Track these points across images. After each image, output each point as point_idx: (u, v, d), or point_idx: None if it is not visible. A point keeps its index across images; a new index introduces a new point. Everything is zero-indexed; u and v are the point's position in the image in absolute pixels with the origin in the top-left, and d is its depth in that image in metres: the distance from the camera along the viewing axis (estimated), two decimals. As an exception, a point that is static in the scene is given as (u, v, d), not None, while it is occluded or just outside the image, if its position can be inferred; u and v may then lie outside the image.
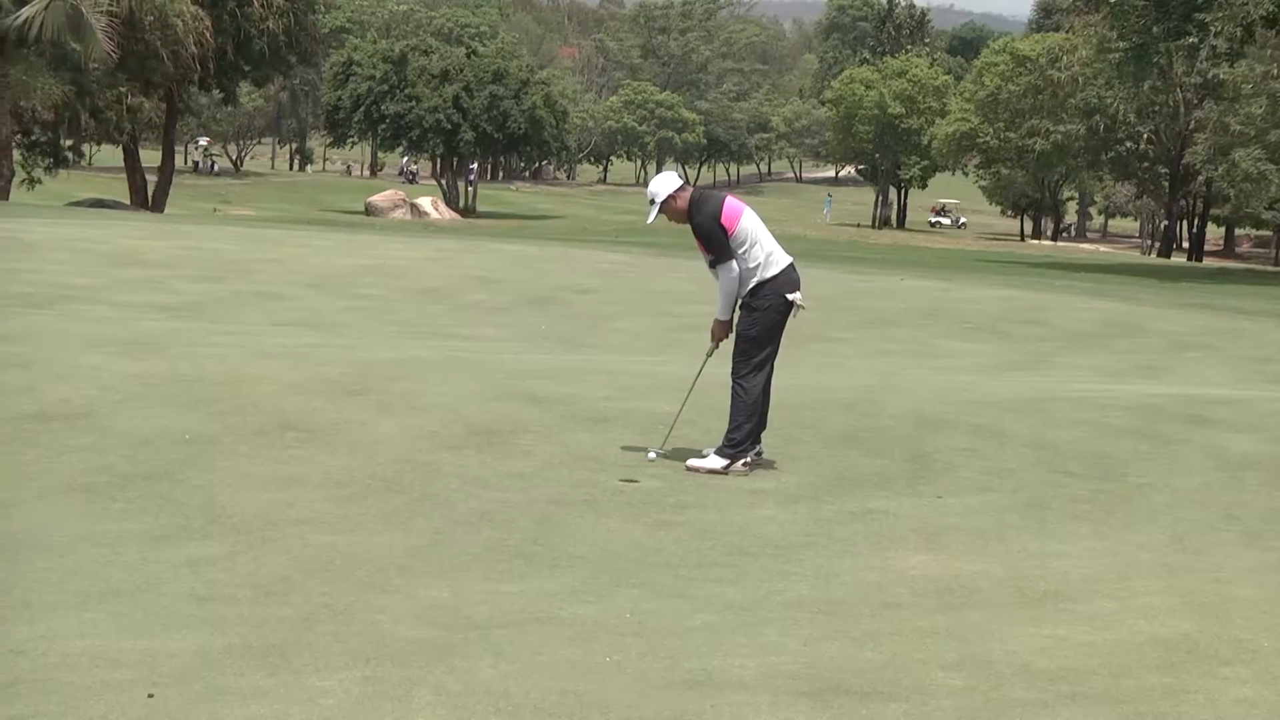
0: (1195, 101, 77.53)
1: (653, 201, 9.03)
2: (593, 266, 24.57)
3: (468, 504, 7.97)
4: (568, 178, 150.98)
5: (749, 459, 9.11)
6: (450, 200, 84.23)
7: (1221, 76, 66.78)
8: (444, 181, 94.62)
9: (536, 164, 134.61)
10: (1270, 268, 67.36)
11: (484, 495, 8.15)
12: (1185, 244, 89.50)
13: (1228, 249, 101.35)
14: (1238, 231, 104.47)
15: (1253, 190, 74.83)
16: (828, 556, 7.40)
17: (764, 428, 9.23)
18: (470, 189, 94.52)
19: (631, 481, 8.63)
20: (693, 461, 9.00)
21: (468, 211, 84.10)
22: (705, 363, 9.51)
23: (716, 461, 8.98)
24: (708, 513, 8.11)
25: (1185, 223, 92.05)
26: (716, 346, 9.35)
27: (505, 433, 9.42)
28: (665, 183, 9.14)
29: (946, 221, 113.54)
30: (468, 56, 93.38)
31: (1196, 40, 39.24)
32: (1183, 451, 10.08)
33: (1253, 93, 70.09)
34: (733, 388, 9.10)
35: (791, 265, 9.19)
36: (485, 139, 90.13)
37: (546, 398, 10.37)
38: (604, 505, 8.13)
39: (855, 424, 10.26)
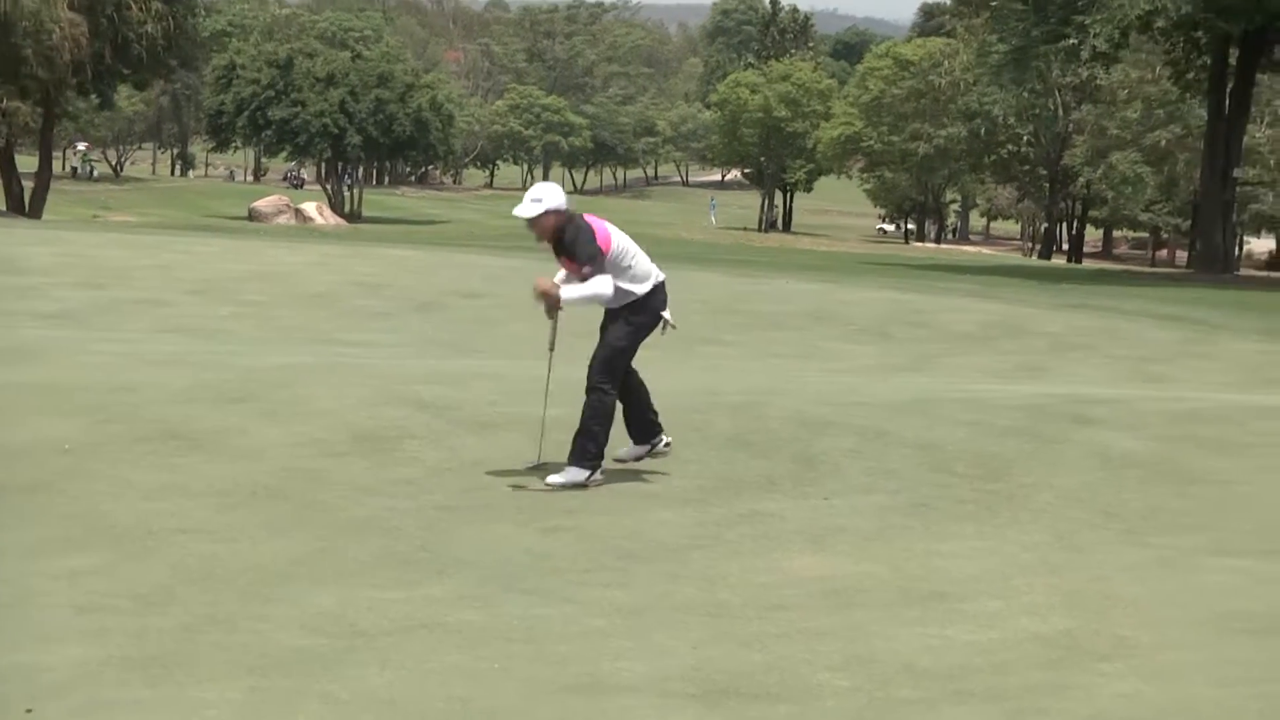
0: (1074, 105, 78.87)
1: (537, 200, 8.89)
2: (480, 271, 24.48)
3: (353, 511, 7.91)
4: (454, 182, 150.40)
5: (644, 453, 9.19)
6: (336, 205, 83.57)
7: (1099, 81, 67.97)
8: (329, 186, 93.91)
9: (423, 169, 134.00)
10: (1147, 269, 68.59)
11: (370, 502, 8.08)
12: (1065, 245, 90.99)
13: (1106, 250, 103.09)
14: (1115, 233, 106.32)
15: (1129, 192, 76.40)
16: (716, 559, 7.41)
17: (656, 415, 9.27)
18: (353, 194, 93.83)
19: (520, 487, 8.61)
20: (551, 479, 8.79)
21: (353, 217, 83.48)
22: (553, 356, 9.37)
23: (577, 474, 8.80)
24: (596, 517, 8.10)
25: (1065, 225, 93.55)
26: (554, 321, 9.14)
27: (392, 439, 9.36)
28: (555, 195, 9.04)
29: (891, 228, 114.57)
30: (353, 60, 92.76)
31: (1075, 42, 39.89)
32: (1064, 450, 10.23)
33: (1128, 97, 71.51)
34: (592, 397, 8.89)
35: (663, 283, 9.18)
36: (372, 143, 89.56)
37: (434, 403, 10.31)
38: (492, 511, 8.10)
39: (742, 427, 10.29)
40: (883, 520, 8.35)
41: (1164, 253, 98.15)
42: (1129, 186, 74.76)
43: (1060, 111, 79.69)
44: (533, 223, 8.90)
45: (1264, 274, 66.02)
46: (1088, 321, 22.47)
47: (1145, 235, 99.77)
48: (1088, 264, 71.63)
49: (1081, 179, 79.94)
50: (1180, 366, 18.05)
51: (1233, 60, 45.14)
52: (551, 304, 8.88)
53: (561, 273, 9.20)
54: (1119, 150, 73.83)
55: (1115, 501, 9.03)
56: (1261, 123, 67.31)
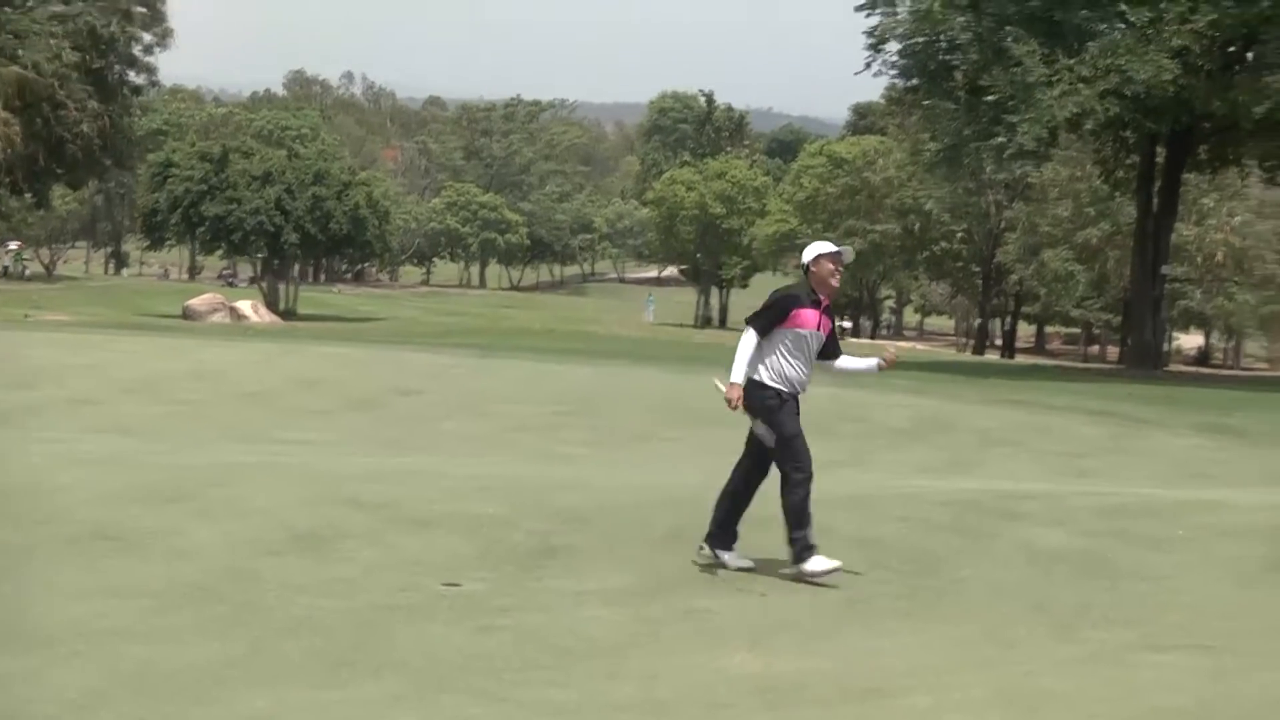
0: (1006, 203, 79.96)
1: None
2: (418, 368, 24.47)
3: (288, 611, 7.87)
4: (391, 279, 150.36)
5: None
6: (271, 303, 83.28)
7: (1030, 179, 68.98)
8: (264, 284, 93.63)
9: (359, 266, 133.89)
10: (1079, 364, 69.28)
11: (305, 602, 8.04)
12: (999, 341, 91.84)
13: (1039, 346, 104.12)
14: (1048, 329, 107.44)
15: (1061, 289, 77.28)
16: (654, 657, 7.42)
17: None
18: (289, 291, 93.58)
19: (455, 585, 8.60)
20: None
21: (289, 315, 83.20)
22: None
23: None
24: (532, 615, 8.09)
25: (999, 320, 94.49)
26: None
27: (327, 538, 9.33)
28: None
29: (849, 325, 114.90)
30: (289, 158, 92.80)
31: (1005, 140, 40.56)
32: (995, 545, 10.32)
33: (1059, 195, 72.55)
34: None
35: None
36: (309, 240, 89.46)
37: (370, 501, 10.29)
38: (427, 610, 8.07)
39: (682, 522, 10.32)
40: (820, 616, 8.39)
41: (1096, 348, 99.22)
42: (1061, 283, 75.65)
43: (993, 209, 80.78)
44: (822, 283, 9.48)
45: (1193, 369, 66.83)
46: (1017, 417, 22.68)
47: (1078, 331, 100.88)
48: (1021, 359, 72.29)
49: (1014, 275, 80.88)
50: (1109, 461, 18.23)
51: (1160, 159, 45.96)
52: None
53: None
54: (1051, 247, 74.77)
55: (1045, 596, 9.11)
56: (1190, 220, 68.40)
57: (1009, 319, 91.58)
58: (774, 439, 9.38)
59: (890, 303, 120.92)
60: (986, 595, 9.08)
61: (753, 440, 9.58)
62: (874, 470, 16.39)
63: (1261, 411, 27.20)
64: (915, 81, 46.62)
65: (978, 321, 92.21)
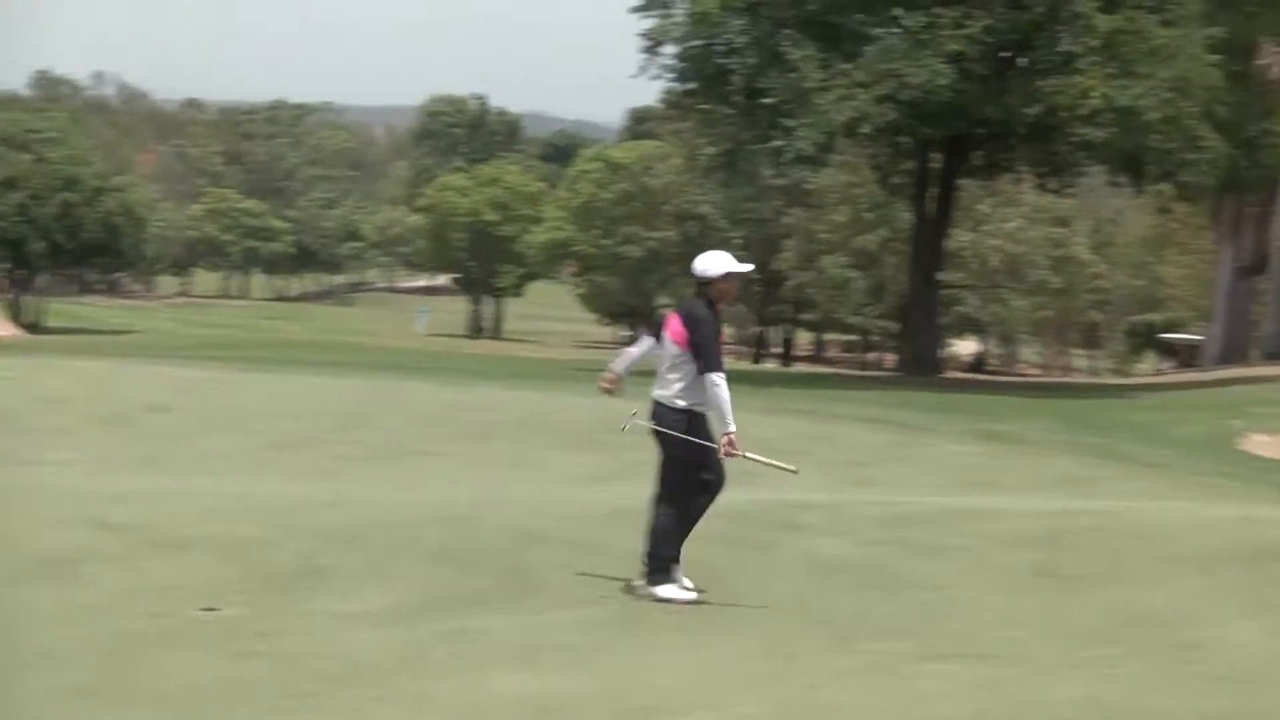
0: (784, 209, 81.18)
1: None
2: (173, 382, 23.93)
3: (30, 642, 7.59)
4: (146, 290, 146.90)
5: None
6: (16, 316, 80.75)
7: (808, 184, 70.15)
8: (8, 296, 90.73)
9: (113, 276, 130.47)
10: (857, 372, 70.68)
11: (48, 632, 7.77)
12: (778, 350, 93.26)
13: (818, 354, 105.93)
14: (826, 336, 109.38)
15: (839, 296, 78.76)
16: (422, 679, 7.33)
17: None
18: (36, 304, 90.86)
19: (212, 610, 8.39)
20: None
21: (36, 328, 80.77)
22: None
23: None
24: (294, 639, 7.94)
25: (778, 328, 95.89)
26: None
27: (74, 562, 9.04)
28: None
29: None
30: (35, 162, 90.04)
31: (783, 145, 41.15)
32: (774, 557, 10.43)
33: (837, 200, 73.98)
34: None
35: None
36: (57, 249, 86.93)
37: (119, 523, 10.01)
38: (181, 637, 7.86)
39: (452, 540, 10.24)
40: (593, 634, 8.38)
41: (874, 355, 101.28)
42: (838, 290, 77.12)
43: (771, 215, 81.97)
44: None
45: (969, 376, 68.65)
46: (799, 426, 22.99)
47: (856, 338, 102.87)
48: (800, 368, 73.54)
49: (792, 282, 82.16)
50: (891, 470, 18.57)
51: (936, 165, 47.09)
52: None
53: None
54: (828, 254, 76.15)
55: (825, 608, 9.24)
56: (966, 226, 70.25)
57: (787, 327, 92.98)
58: (689, 458, 9.37)
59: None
60: (766, 608, 9.16)
61: (669, 468, 9.55)
62: (648, 484, 16.43)
63: (1034, 418, 28.04)
64: (692, 85, 47.00)
65: (756, 330, 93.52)
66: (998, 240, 75.26)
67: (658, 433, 9.40)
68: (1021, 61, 43.26)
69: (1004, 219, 75.28)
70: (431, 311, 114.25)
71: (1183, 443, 24.85)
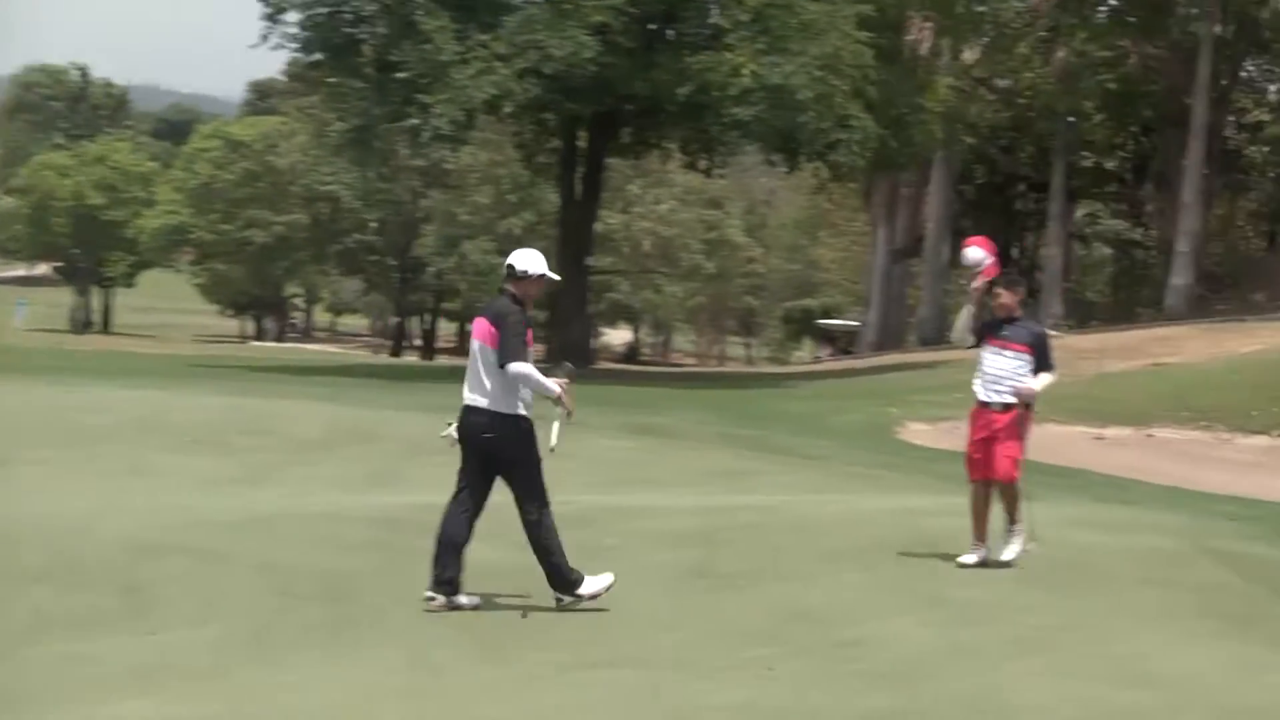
0: (423, 190, 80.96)
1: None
2: None
3: None
4: None
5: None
6: None
7: (448, 164, 70.14)
8: None
9: None
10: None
11: None
12: (419, 341, 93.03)
13: (462, 345, 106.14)
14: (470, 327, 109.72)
15: (484, 283, 78.99)
16: (23, 714, 7.06)
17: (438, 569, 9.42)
18: None
19: None
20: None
21: None
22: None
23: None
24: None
25: (418, 318, 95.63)
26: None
27: None
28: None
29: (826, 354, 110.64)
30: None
31: (419, 122, 40.92)
32: (418, 565, 10.37)
33: (479, 181, 74.18)
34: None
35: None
36: None
37: None
38: None
39: (55, 557, 9.91)
40: (218, 654, 8.20)
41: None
42: (482, 277, 77.35)
43: (409, 197, 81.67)
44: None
45: (622, 367, 69.69)
46: (440, 424, 22.93)
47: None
48: (442, 360, 73.41)
49: (432, 269, 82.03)
50: (547, 468, 18.67)
51: (583, 143, 47.55)
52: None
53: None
54: (471, 238, 76.32)
55: (472, 617, 9.24)
56: (616, 208, 71.26)
57: (429, 317, 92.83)
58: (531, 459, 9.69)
59: (299, 301, 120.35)
60: (409, 618, 9.12)
61: (473, 478, 9.72)
62: (279, 487, 16.20)
63: (689, 410, 28.64)
64: (318, 56, 46.41)
65: (395, 320, 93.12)
66: (649, 223, 76.58)
67: (489, 444, 9.66)
68: (670, 34, 43.97)
69: (656, 200, 76.65)
70: (30, 304, 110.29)
71: (840, 433, 25.72)
